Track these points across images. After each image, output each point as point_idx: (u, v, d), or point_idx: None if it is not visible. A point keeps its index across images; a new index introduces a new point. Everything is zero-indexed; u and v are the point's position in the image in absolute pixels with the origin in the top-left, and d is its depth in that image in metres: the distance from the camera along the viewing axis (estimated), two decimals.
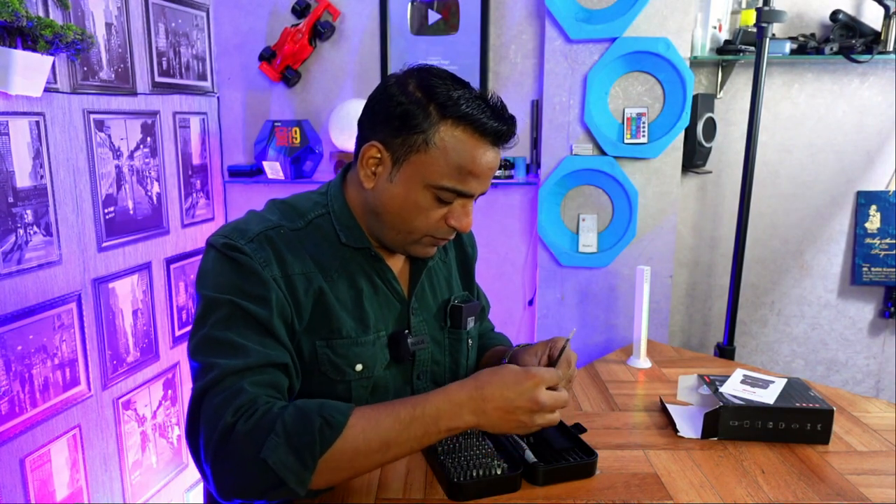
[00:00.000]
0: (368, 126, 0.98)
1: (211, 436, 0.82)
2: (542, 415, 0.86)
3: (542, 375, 0.86)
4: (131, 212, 1.93)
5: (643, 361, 1.50)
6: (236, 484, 0.81)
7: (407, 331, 1.04)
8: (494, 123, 0.93)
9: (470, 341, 1.16)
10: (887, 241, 2.16)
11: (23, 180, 1.55)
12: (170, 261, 2.12)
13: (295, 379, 0.93)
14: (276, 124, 2.23)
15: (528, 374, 0.86)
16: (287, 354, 0.91)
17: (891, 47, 1.93)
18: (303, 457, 0.80)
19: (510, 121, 0.95)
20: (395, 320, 1.05)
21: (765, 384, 1.20)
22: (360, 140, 0.99)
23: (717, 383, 1.21)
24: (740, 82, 2.18)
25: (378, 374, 1.02)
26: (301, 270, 0.96)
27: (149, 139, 1.99)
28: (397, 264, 1.08)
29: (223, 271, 0.92)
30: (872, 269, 2.17)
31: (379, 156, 0.96)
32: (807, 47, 1.99)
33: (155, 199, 2.04)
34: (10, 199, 1.52)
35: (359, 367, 0.99)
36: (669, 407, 1.23)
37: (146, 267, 2.01)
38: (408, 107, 0.92)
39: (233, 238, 0.94)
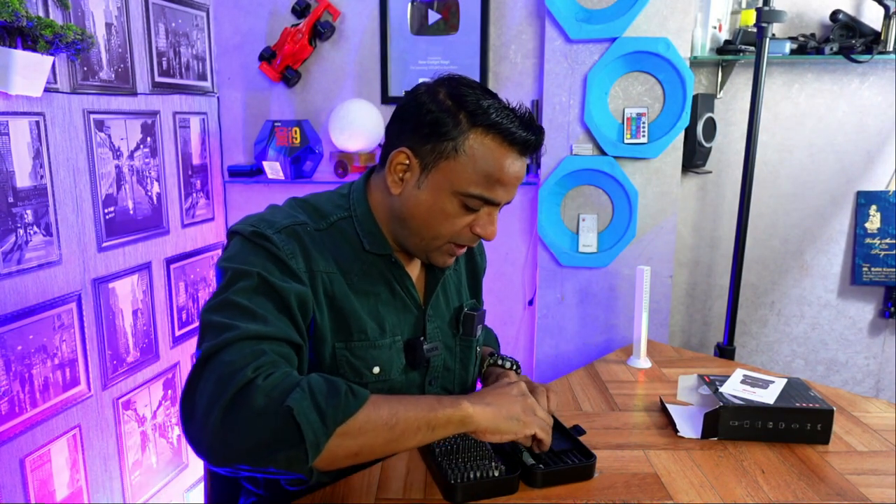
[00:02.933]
0: (397, 133, 0.99)
1: (224, 389, 0.76)
2: (534, 405, 0.95)
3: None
4: (131, 212, 1.93)
5: (643, 361, 1.50)
6: (246, 440, 0.74)
7: (422, 337, 1.06)
8: (523, 133, 0.94)
9: (478, 349, 1.17)
10: (887, 241, 2.16)
11: (23, 180, 1.55)
12: (170, 261, 2.12)
13: (304, 365, 0.92)
14: (276, 124, 2.23)
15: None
16: (301, 339, 0.90)
17: (891, 47, 1.93)
18: (325, 417, 0.77)
19: (538, 131, 0.97)
20: (411, 327, 1.06)
21: (765, 384, 1.20)
22: (388, 147, 1.00)
23: (717, 383, 1.21)
24: (740, 82, 2.18)
25: (395, 379, 1.03)
26: (325, 269, 0.97)
27: (149, 139, 1.99)
28: (414, 271, 1.09)
29: (251, 253, 0.92)
30: (872, 269, 2.17)
31: (407, 162, 0.97)
32: (807, 47, 1.99)
33: (155, 199, 2.04)
34: (10, 199, 1.52)
35: (376, 369, 1.00)
36: (669, 407, 1.23)
37: (146, 267, 2.01)
38: (438, 114, 0.93)
39: (260, 227, 0.94)
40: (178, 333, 2.18)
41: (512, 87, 2.20)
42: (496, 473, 0.95)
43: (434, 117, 0.93)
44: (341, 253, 1.00)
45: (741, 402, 1.12)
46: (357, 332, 0.98)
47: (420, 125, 0.95)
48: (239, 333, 0.81)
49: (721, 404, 1.11)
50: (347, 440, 0.79)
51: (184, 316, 2.21)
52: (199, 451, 0.77)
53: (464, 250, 1.04)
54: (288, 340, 0.86)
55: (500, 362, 1.19)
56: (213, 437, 0.75)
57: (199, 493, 2.27)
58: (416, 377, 1.07)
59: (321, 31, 2.22)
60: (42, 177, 1.61)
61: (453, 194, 0.95)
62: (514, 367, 1.18)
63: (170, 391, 2.15)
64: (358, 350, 0.98)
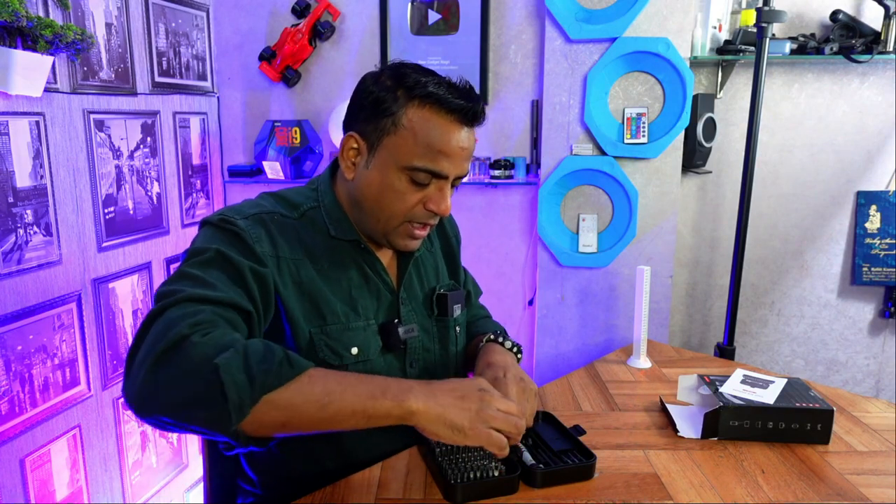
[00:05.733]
0: (347, 121, 1.03)
1: (158, 342, 0.76)
2: (494, 403, 0.85)
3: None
4: (131, 212, 1.93)
5: (643, 361, 1.49)
6: (171, 393, 0.74)
7: (397, 320, 1.07)
8: (460, 101, 0.96)
9: (458, 328, 1.18)
10: (887, 241, 2.16)
11: (23, 180, 1.55)
12: (170, 261, 2.12)
13: (257, 333, 0.90)
14: (276, 124, 2.23)
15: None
16: (253, 307, 0.89)
17: (891, 47, 1.93)
18: (253, 380, 0.75)
19: (476, 99, 0.98)
20: (385, 310, 1.08)
21: (765, 384, 1.20)
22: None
23: (717, 383, 1.21)
24: (740, 82, 2.18)
25: (374, 360, 1.04)
26: (290, 256, 0.99)
27: (149, 139, 1.99)
28: (386, 256, 1.11)
29: (216, 235, 0.94)
30: (872, 269, 2.17)
31: (356, 145, 1.00)
32: (807, 47, 1.99)
33: (155, 199, 2.04)
34: (10, 199, 1.52)
35: (354, 350, 1.02)
36: (669, 407, 1.23)
37: (146, 267, 2.01)
38: (378, 94, 0.97)
39: (227, 215, 0.97)
40: None
41: (512, 87, 2.20)
42: (496, 473, 0.95)
43: (375, 97, 0.97)
44: (312, 241, 1.02)
45: (741, 402, 1.12)
46: (330, 314, 1.00)
47: (363, 107, 0.98)
48: (182, 296, 0.81)
49: (721, 404, 1.11)
50: (274, 409, 0.77)
51: None
52: (128, 403, 0.77)
53: (425, 231, 1.04)
54: (235, 306, 0.85)
55: (500, 340, 1.14)
56: (140, 387, 0.75)
57: (198, 494, 2.27)
58: (394, 360, 1.07)
59: (321, 31, 2.22)
60: (42, 177, 1.61)
61: (400, 170, 0.97)
62: (515, 350, 1.15)
63: None
64: (334, 333, 1.00)
